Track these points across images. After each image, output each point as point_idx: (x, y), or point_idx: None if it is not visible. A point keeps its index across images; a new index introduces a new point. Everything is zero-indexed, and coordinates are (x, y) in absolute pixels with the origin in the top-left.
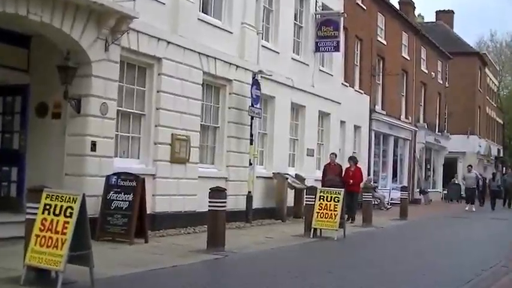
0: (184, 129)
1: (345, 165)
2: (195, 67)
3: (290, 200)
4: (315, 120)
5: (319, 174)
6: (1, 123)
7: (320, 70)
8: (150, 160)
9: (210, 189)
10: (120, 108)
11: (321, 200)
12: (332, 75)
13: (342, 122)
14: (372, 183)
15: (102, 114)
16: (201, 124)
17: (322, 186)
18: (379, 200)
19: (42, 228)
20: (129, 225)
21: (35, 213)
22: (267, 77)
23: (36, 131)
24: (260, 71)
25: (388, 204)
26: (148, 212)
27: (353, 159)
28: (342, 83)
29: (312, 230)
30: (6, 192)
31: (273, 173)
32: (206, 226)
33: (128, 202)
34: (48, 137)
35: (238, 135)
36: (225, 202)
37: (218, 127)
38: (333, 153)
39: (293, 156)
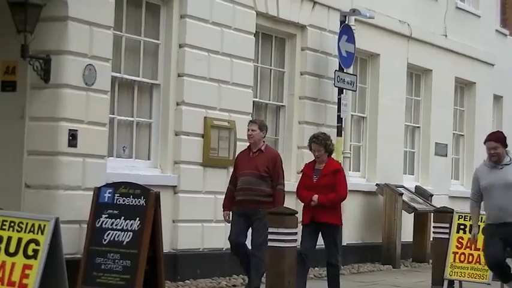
0: (226, 110)
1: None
2: (244, 4)
3: (407, 231)
4: (448, 93)
5: (456, 187)
6: None
7: (458, 8)
8: (168, 162)
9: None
10: (117, 75)
11: (461, 232)
12: (479, 17)
13: (498, 98)
14: None
15: (87, 84)
16: (253, 102)
17: (225, 201)
18: None
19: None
20: (133, 272)
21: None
22: (366, 20)
23: None
24: (354, 11)
25: None
26: (166, 251)
27: (319, 140)
28: (498, 30)
29: (446, 284)
30: None
31: (377, 185)
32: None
33: (131, 233)
34: None
35: (316, 121)
36: (295, 234)
37: (283, 106)
38: (255, 121)
39: (412, 155)
